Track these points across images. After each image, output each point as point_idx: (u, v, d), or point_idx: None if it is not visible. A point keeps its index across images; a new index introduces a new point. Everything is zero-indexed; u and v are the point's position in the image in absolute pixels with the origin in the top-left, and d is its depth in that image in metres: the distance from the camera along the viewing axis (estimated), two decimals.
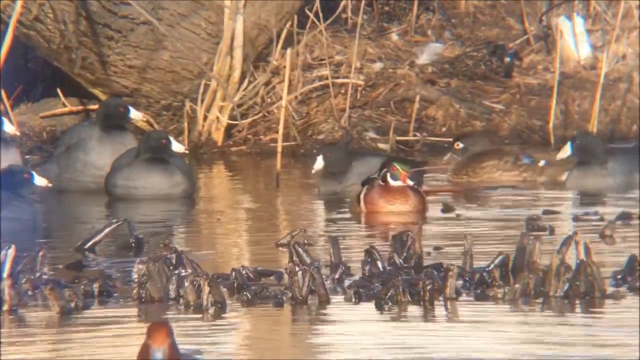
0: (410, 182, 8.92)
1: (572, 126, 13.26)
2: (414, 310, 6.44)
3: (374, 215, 8.87)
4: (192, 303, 6.42)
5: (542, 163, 10.55)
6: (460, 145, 10.61)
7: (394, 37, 13.44)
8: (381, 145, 12.12)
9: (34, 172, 8.74)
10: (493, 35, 13.78)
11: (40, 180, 8.68)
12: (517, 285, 6.63)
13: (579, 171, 10.32)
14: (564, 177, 10.21)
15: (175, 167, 9.94)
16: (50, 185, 8.82)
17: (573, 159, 10.37)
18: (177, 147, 9.91)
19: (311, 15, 12.49)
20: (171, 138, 10.01)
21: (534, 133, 13.08)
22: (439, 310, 6.43)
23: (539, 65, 13.51)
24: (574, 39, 13.44)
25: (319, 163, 9.99)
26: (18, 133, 10.51)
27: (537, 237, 7.11)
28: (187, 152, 10.09)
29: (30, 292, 6.60)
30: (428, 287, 6.57)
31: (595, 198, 9.85)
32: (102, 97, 12.53)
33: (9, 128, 9.94)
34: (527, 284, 6.63)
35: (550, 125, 13.00)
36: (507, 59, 13.32)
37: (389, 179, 8.89)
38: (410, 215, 8.84)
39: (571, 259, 6.77)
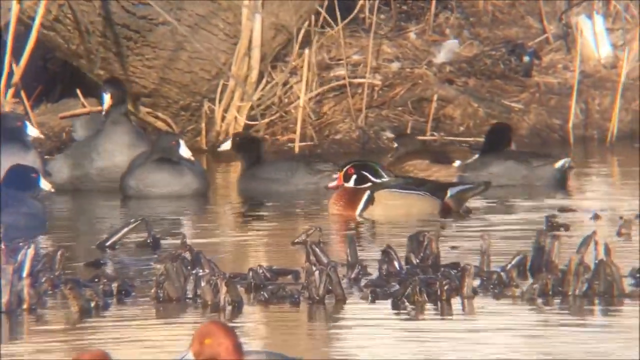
0: (349, 184, 8.82)
1: (593, 125, 13.19)
2: (430, 309, 6.40)
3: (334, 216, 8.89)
4: (209, 303, 6.43)
5: (456, 163, 10.59)
6: (395, 144, 10.64)
7: (412, 36, 13.40)
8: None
9: (40, 174, 8.77)
10: (512, 34, 13.73)
11: (45, 184, 8.72)
12: (535, 285, 6.59)
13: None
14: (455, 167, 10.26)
15: (185, 167, 10.04)
16: (53, 190, 8.86)
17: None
18: (184, 151, 9.98)
19: (323, 12, 12.43)
20: (181, 141, 10.09)
21: (553, 132, 13.01)
22: (456, 310, 6.39)
23: (559, 64, 13.45)
24: (594, 37, 13.38)
25: (227, 144, 10.22)
26: (42, 136, 10.56)
27: (555, 236, 7.06)
28: (193, 158, 10.08)
29: (49, 291, 6.62)
30: (445, 287, 6.53)
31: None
32: None
33: (33, 132, 9.98)
34: (546, 283, 6.59)
35: (570, 124, 12.92)
36: (526, 58, 13.27)
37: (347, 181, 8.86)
38: (342, 217, 8.81)
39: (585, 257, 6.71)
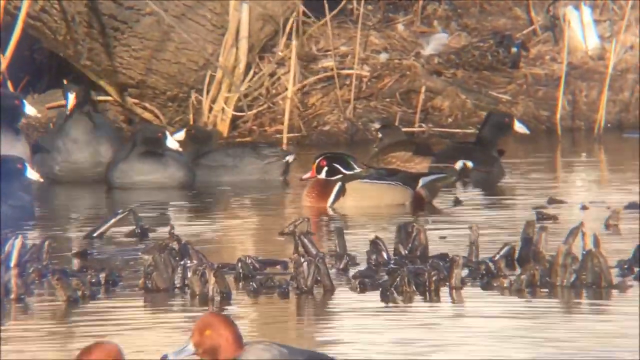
0: (321, 176, 8.83)
1: (580, 117, 13.20)
2: (418, 300, 6.40)
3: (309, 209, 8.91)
4: (197, 293, 6.42)
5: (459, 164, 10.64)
6: (379, 135, 10.69)
7: (400, 27, 13.39)
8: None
9: (27, 165, 8.75)
10: (500, 25, 13.72)
11: (32, 174, 8.69)
12: (523, 276, 6.59)
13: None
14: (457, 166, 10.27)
15: (169, 159, 10.06)
16: (42, 180, 8.86)
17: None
18: (172, 143, 10.00)
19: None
20: (167, 133, 10.10)
21: (541, 124, 13.03)
22: (444, 301, 6.39)
23: (546, 55, 13.45)
24: (582, 29, 13.38)
25: (180, 134, 10.37)
26: (39, 115, 10.54)
27: (542, 227, 7.07)
28: (180, 149, 10.09)
29: (37, 282, 6.60)
30: (433, 278, 6.54)
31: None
32: (108, 88, 12.52)
33: (31, 110, 9.97)
34: (533, 274, 6.59)
35: (558, 116, 12.94)
36: (514, 49, 13.27)
37: (318, 173, 8.87)
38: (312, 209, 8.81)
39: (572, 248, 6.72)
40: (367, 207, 8.78)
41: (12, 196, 8.46)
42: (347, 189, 8.85)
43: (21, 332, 5.86)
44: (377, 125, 12.10)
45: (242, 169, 10.24)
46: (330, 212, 8.79)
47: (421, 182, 8.95)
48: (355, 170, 8.89)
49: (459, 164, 10.27)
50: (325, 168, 8.87)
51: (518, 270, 6.80)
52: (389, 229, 7.86)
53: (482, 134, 10.54)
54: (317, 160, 8.94)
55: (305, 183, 9.12)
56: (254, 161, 10.24)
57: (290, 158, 10.40)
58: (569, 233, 6.95)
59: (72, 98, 9.79)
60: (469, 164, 10.22)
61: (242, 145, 10.64)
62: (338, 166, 8.84)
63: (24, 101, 10.03)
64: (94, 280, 6.62)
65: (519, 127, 10.56)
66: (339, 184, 8.86)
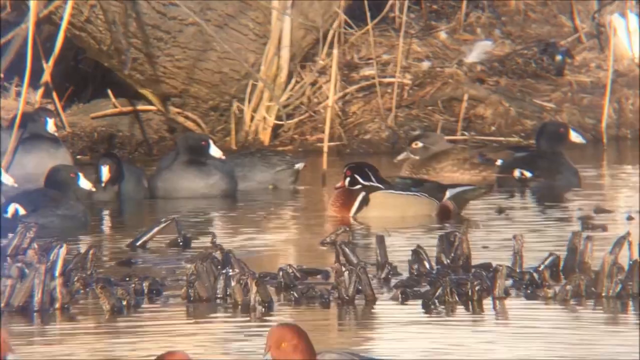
0: (348, 185, 8.79)
1: (626, 125, 13.03)
2: (461, 310, 6.31)
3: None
4: (239, 302, 6.40)
5: (499, 162, 10.47)
6: (419, 144, 10.55)
7: (442, 35, 13.30)
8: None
9: (80, 174, 8.79)
10: (544, 33, 13.59)
11: (84, 183, 8.73)
12: (568, 286, 6.48)
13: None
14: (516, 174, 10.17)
15: (212, 168, 10.05)
16: (94, 189, 8.89)
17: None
18: (215, 151, 9.99)
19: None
20: (211, 141, 10.10)
21: (586, 132, 12.86)
22: (488, 311, 6.29)
23: (592, 63, 13.30)
24: (628, 36, 13.21)
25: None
26: (64, 132, 10.61)
27: (589, 237, 6.95)
28: (224, 157, 10.08)
29: (81, 290, 6.63)
30: (476, 288, 6.45)
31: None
32: (152, 97, 12.57)
33: (52, 128, 10.09)
34: (579, 284, 6.48)
35: (603, 124, 12.78)
36: (559, 57, 13.14)
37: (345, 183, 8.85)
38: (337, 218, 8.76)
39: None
40: (390, 217, 8.71)
41: (63, 205, 8.48)
42: (371, 199, 8.82)
43: (65, 337, 5.85)
44: (417, 132, 12.02)
45: (252, 177, 10.16)
46: (353, 221, 8.76)
47: (448, 193, 8.85)
48: (372, 182, 8.82)
49: (516, 173, 10.16)
50: (348, 178, 8.85)
51: (563, 281, 6.69)
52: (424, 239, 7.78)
53: (540, 145, 10.42)
54: (344, 170, 8.94)
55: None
56: (264, 170, 10.16)
57: (299, 166, 10.35)
58: (615, 243, 6.83)
59: (105, 171, 9.77)
60: (527, 173, 10.12)
61: (250, 154, 10.53)
62: (357, 177, 8.82)
63: (47, 118, 10.10)
64: (137, 289, 6.63)
65: (575, 137, 10.46)
66: (362, 194, 8.83)
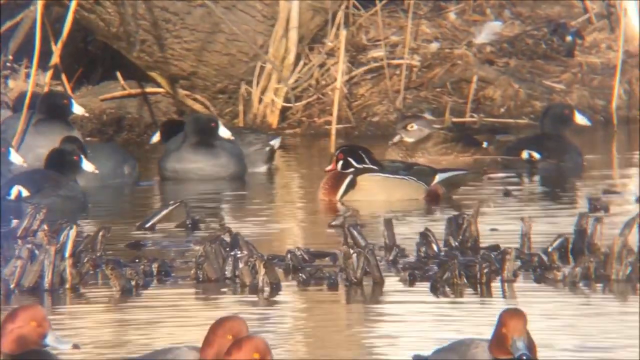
0: (339, 168, 8.73)
1: (636, 106, 12.95)
2: (469, 292, 6.29)
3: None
4: (247, 284, 6.39)
5: (484, 144, 10.47)
6: (414, 126, 10.49)
7: (452, 16, 13.22)
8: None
9: (82, 156, 8.78)
10: (554, 13, 13.49)
11: (88, 166, 8.72)
12: (577, 268, 6.45)
13: None
14: (524, 155, 10.08)
15: (221, 150, 10.01)
16: (97, 171, 8.88)
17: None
18: (224, 132, 9.95)
19: None
20: (220, 122, 10.06)
21: (596, 113, 12.79)
22: (496, 294, 6.27)
23: (602, 43, 13.20)
24: (639, 16, 13.11)
25: (156, 136, 10.32)
26: (87, 114, 10.67)
27: (597, 219, 6.92)
28: (233, 138, 10.04)
29: (91, 271, 6.65)
30: (485, 270, 6.42)
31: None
32: (160, 80, 12.55)
33: (78, 109, 10.04)
34: (588, 267, 6.45)
35: (613, 105, 12.70)
36: (569, 38, 13.04)
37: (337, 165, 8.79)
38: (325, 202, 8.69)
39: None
40: (376, 200, 8.66)
41: (64, 187, 8.50)
42: (358, 182, 8.76)
43: (75, 317, 5.86)
44: (429, 115, 11.98)
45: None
46: (339, 205, 8.72)
47: (438, 177, 8.79)
48: (366, 164, 8.76)
49: (524, 155, 10.13)
50: (341, 161, 8.80)
51: (572, 263, 6.66)
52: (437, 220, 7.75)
53: (544, 127, 10.39)
54: (337, 153, 8.88)
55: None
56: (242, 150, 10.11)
57: (275, 143, 10.26)
58: (625, 225, 6.78)
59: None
60: (535, 154, 10.09)
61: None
62: (350, 160, 8.75)
63: (72, 100, 10.10)
64: (146, 271, 6.63)
65: (580, 119, 10.39)
66: (350, 177, 8.78)
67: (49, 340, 4.37)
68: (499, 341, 4.27)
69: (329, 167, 8.89)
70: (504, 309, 4.41)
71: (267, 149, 10.31)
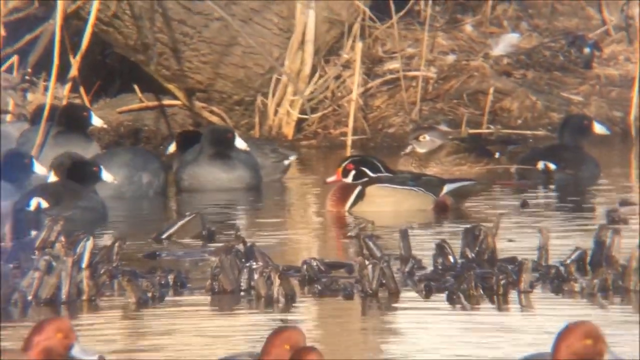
0: (348, 180, 8.69)
1: None
2: (486, 304, 6.24)
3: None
4: (263, 295, 6.40)
5: (497, 155, 10.47)
6: (426, 137, 10.46)
7: (468, 28, 13.20)
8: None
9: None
10: (572, 25, 13.46)
11: (107, 177, 8.73)
12: (595, 280, 6.40)
13: None
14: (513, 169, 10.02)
15: (237, 162, 10.04)
16: (116, 182, 8.91)
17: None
18: (240, 143, 9.96)
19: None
20: (236, 134, 10.08)
21: (614, 125, 12.73)
22: (513, 305, 6.23)
23: (620, 55, 13.15)
24: None
25: (172, 147, 10.38)
26: (105, 126, 10.73)
27: (616, 231, 6.87)
28: (249, 149, 10.05)
29: (107, 283, 6.68)
30: (502, 282, 6.38)
31: None
32: (177, 92, 12.59)
33: (97, 122, 10.11)
34: (606, 278, 6.40)
35: (632, 116, 12.65)
36: (587, 50, 13.00)
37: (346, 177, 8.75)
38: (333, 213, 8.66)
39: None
40: (384, 211, 8.62)
41: (84, 198, 8.49)
42: (366, 193, 8.72)
43: (92, 328, 5.87)
44: (444, 127, 11.94)
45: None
46: (347, 216, 8.67)
47: (446, 188, 8.74)
48: (380, 174, 8.72)
49: (540, 165, 10.09)
50: (353, 172, 8.75)
51: (590, 275, 6.61)
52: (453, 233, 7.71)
53: (563, 138, 10.33)
54: (344, 164, 8.82)
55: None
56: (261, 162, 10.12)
57: (292, 158, 10.28)
58: None
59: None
60: (551, 165, 10.04)
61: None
62: (365, 170, 8.71)
63: (92, 113, 10.15)
64: (162, 282, 6.65)
65: (599, 128, 10.35)
66: (359, 188, 8.74)
67: (75, 351, 4.37)
68: (586, 355, 4.14)
69: (332, 179, 8.84)
70: (572, 323, 4.24)
71: (286, 162, 10.27)
